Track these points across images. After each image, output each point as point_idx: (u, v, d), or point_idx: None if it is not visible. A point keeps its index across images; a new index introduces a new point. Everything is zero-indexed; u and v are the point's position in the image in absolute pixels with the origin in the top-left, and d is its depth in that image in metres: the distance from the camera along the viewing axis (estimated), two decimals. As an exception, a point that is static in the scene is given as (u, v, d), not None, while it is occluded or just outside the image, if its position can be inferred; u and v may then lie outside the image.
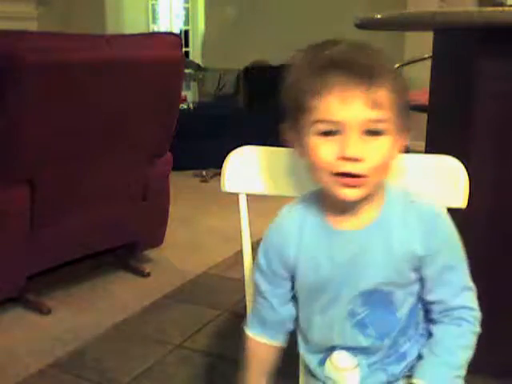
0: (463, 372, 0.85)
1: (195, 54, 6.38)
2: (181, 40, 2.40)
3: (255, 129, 4.43)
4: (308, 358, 0.92)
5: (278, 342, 0.95)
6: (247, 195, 1.00)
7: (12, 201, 2.01)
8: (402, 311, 0.86)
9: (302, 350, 0.93)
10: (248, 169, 1.00)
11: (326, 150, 0.77)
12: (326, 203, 0.85)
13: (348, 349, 0.87)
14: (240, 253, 1.02)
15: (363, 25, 1.77)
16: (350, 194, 0.78)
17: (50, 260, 2.20)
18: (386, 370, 0.87)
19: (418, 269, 0.84)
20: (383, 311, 0.85)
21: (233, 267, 2.55)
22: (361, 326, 0.85)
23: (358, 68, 0.75)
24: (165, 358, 1.85)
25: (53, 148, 2.01)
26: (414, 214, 0.84)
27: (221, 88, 5.34)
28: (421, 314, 0.89)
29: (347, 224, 0.84)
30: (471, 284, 0.87)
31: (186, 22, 6.62)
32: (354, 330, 0.85)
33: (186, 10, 6.61)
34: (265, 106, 4.72)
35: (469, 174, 0.95)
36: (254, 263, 0.94)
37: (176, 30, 6.46)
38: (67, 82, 1.94)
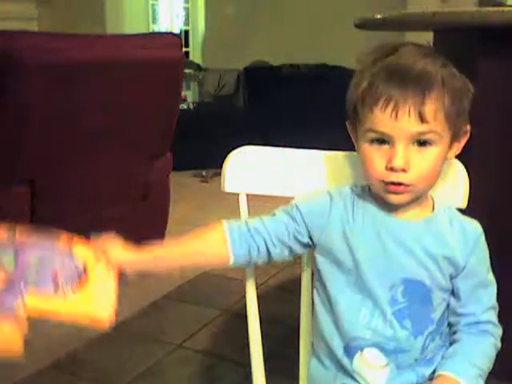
0: (484, 376, 0.87)
1: (195, 54, 6.38)
2: (181, 40, 2.40)
3: (255, 129, 4.44)
4: (330, 337, 0.89)
5: (233, 252, 0.88)
6: (247, 195, 1.00)
7: (12, 200, 2.01)
8: (437, 314, 0.88)
9: (326, 329, 0.90)
10: (248, 169, 1.01)
11: (376, 160, 0.82)
12: (378, 198, 0.88)
13: (378, 347, 0.86)
14: (240, 253, 1.02)
15: (363, 25, 1.77)
16: (396, 199, 0.84)
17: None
18: (417, 371, 0.87)
19: (453, 277, 0.88)
20: (421, 307, 0.86)
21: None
22: (399, 315, 0.85)
23: (412, 80, 0.78)
24: (165, 358, 1.85)
25: (53, 148, 2.01)
26: (458, 227, 0.88)
27: (221, 88, 5.34)
28: (446, 324, 0.91)
29: (399, 215, 0.88)
30: (496, 304, 0.91)
31: (186, 22, 6.61)
32: (393, 318, 0.85)
33: (186, 10, 6.61)
34: (265, 106, 4.74)
35: (469, 175, 0.95)
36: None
37: (176, 30, 6.46)
38: (67, 82, 1.94)
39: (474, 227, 0.89)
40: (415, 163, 0.81)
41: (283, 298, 2.25)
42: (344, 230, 0.87)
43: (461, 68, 0.85)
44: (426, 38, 1.87)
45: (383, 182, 0.82)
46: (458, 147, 0.87)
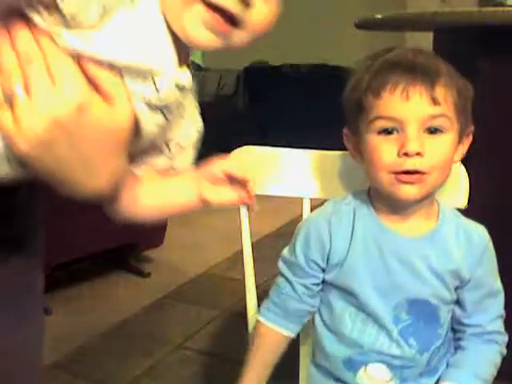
0: None
1: (195, 53, 6.39)
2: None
3: (255, 129, 4.44)
4: (332, 352, 0.88)
5: (292, 333, 0.92)
6: (247, 195, 1.00)
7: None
8: (444, 328, 0.86)
9: (328, 344, 0.89)
10: (248, 169, 1.00)
11: (386, 149, 0.77)
12: (380, 205, 0.84)
13: (384, 363, 0.85)
14: (240, 253, 1.02)
15: (363, 25, 1.77)
16: (409, 191, 0.77)
17: (50, 260, 2.20)
18: (420, 382, 0.86)
19: (458, 288, 0.85)
20: (427, 324, 0.84)
21: (233, 267, 2.55)
22: (405, 334, 0.83)
23: (417, 66, 0.76)
24: (165, 358, 1.85)
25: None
26: (464, 236, 0.85)
27: (221, 88, 5.34)
28: (450, 331, 0.89)
29: (402, 228, 0.84)
30: (503, 312, 0.89)
31: (186, 22, 6.61)
32: (399, 337, 0.83)
33: (186, 9, 6.61)
34: (265, 106, 4.74)
35: (469, 175, 0.95)
36: (281, 255, 0.91)
37: (176, 30, 6.45)
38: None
39: (481, 235, 0.86)
40: (428, 150, 0.76)
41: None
42: (344, 251, 0.84)
43: (461, 68, 0.85)
44: (426, 37, 1.88)
45: (394, 173, 0.77)
46: (463, 149, 0.84)
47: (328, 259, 0.85)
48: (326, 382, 0.90)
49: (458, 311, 0.87)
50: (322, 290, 0.89)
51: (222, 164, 0.65)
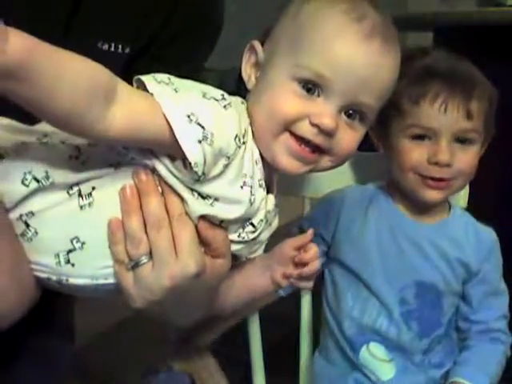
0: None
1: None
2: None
3: (255, 129, 4.44)
4: (335, 331, 0.89)
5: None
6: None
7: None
8: (445, 318, 0.87)
9: (331, 323, 0.90)
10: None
11: (416, 153, 0.81)
12: (398, 196, 0.88)
13: (384, 343, 0.86)
14: (240, 252, 1.02)
15: (363, 25, 1.77)
16: (432, 195, 0.82)
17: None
18: (426, 373, 0.87)
19: (465, 282, 0.87)
20: (431, 310, 0.86)
21: (233, 267, 2.55)
22: (407, 317, 0.85)
23: (457, 76, 0.80)
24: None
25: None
26: (473, 232, 0.88)
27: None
28: (454, 329, 0.90)
29: (416, 216, 0.87)
30: (508, 313, 0.91)
31: (186, 22, 6.61)
32: (400, 319, 0.85)
33: (186, 9, 6.60)
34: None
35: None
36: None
37: (176, 30, 6.45)
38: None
39: (489, 235, 0.89)
40: (457, 160, 0.81)
41: (283, 297, 2.25)
42: (353, 231, 0.87)
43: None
44: (426, 38, 1.88)
45: (420, 175, 0.81)
46: (480, 153, 0.87)
47: (333, 236, 0.88)
48: (329, 368, 0.90)
49: (463, 307, 0.89)
50: (328, 268, 0.90)
51: (292, 243, 0.68)
